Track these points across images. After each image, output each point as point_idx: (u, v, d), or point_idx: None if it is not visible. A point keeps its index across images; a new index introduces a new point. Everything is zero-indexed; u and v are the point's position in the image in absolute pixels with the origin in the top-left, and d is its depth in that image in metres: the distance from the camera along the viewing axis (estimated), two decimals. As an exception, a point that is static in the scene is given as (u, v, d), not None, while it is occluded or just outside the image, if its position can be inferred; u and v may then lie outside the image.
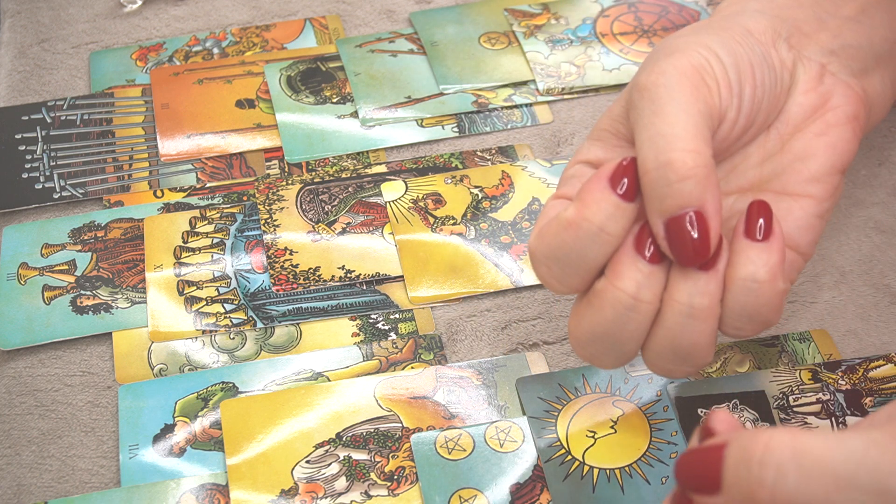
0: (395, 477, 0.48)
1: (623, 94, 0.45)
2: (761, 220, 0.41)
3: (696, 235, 0.39)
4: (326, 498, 0.47)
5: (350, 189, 0.60)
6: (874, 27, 0.49)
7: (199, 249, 0.57)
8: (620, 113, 0.44)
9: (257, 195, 0.59)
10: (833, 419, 0.49)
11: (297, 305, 0.54)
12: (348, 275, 0.55)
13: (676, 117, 0.40)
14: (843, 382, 0.50)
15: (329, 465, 0.48)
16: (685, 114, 0.40)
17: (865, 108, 0.47)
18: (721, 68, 0.42)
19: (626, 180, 0.40)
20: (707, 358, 0.43)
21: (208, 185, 0.60)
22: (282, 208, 0.59)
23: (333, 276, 0.55)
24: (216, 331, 0.53)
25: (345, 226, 0.58)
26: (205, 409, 0.51)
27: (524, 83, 0.65)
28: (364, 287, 0.55)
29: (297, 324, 0.54)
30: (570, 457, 0.48)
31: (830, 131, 0.45)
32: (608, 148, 0.45)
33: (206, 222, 0.58)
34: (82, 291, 0.55)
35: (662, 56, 0.42)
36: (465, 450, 0.48)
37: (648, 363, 0.44)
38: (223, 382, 0.52)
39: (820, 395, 0.50)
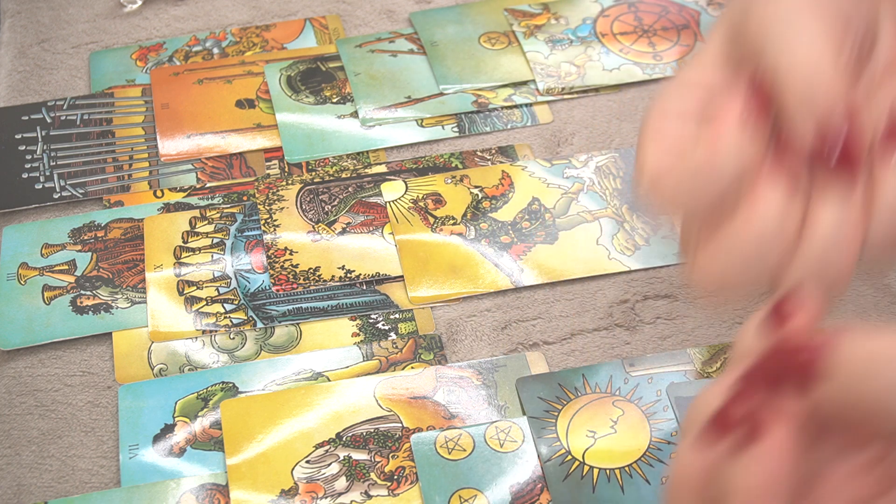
0: (395, 477, 0.48)
1: (720, 29, 0.42)
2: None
3: (844, 139, 0.38)
4: (326, 498, 0.47)
5: (350, 189, 0.60)
6: None
7: (199, 249, 0.57)
8: (724, 41, 0.42)
9: (257, 195, 0.59)
10: (833, 419, 0.49)
11: (297, 305, 0.54)
12: (348, 275, 0.55)
13: (810, 30, 0.39)
14: (843, 382, 0.50)
15: (329, 465, 0.48)
16: (817, 28, 0.39)
17: None
18: None
19: (757, 104, 0.39)
20: (844, 286, 0.40)
21: (208, 185, 0.60)
22: (282, 208, 0.59)
23: (333, 276, 0.55)
24: (216, 331, 0.53)
25: (345, 226, 0.58)
26: (205, 409, 0.51)
27: (524, 83, 0.65)
28: (364, 287, 0.55)
29: (297, 324, 0.54)
30: (570, 457, 0.48)
31: None
32: (720, 71, 0.42)
33: (206, 222, 0.58)
34: (82, 291, 0.55)
35: None
36: (465, 450, 0.48)
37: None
38: (223, 382, 0.52)
39: (820, 395, 0.49)
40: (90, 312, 0.54)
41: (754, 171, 0.40)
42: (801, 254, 0.40)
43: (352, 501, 0.47)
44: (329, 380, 0.52)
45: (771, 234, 0.39)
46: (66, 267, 0.56)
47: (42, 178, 0.61)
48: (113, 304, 0.55)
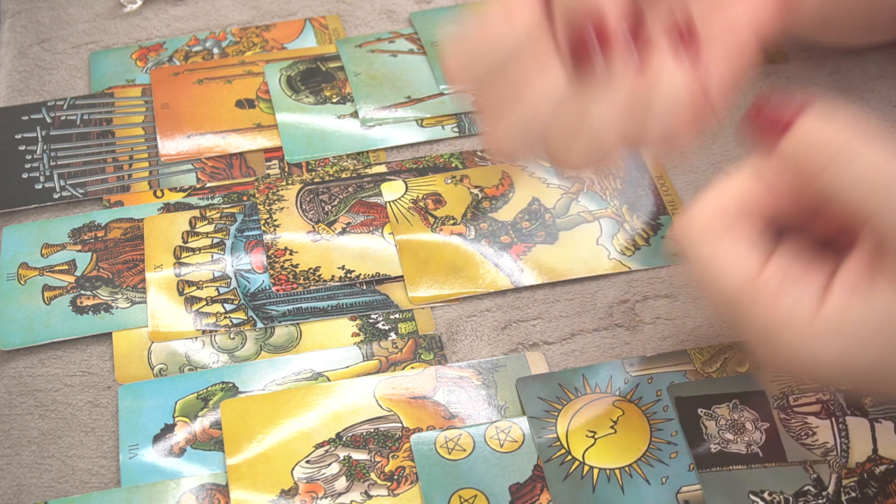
0: (395, 477, 0.48)
1: None
2: (687, 31, 0.42)
3: (594, 41, 0.41)
4: (326, 498, 0.47)
5: (350, 189, 0.60)
6: None
7: (199, 249, 0.57)
8: None
9: (257, 195, 0.59)
10: (833, 419, 0.49)
11: (297, 305, 0.54)
12: (348, 275, 0.56)
13: None
14: (843, 382, 0.50)
15: (329, 465, 0.48)
16: None
17: None
18: None
19: None
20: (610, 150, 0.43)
21: (208, 185, 0.60)
22: (282, 208, 0.59)
23: (333, 276, 0.55)
24: (216, 331, 0.53)
25: (345, 226, 0.58)
26: (205, 409, 0.51)
27: (524, 83, 0.65)
28: (364, 287, 0.55)
29: (297, 324, 0.54)
30: (570, 457, 0.48)
31: None
32: None
33: (206, 222, 0.58)
34: (82, 291, 0.55)
35: None
36: (465, 450, 0.48)
37: (566, 156, 0.44)
38: (223, 382, 0.52)
39: (820, 395, 0.50)
40: (90, 312, 0.54)
41: (537, 47, 0.42)
42: (581, 134, 0.43)
43: (352, 501, 0.47)
44: (329, 380, 0.52)
45: (549, 111, 0.42)
46: (66, 267, 0.56)
47: (42, 178, 0.61)
48: (113, 304, 0.55)
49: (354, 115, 0.63)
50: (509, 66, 0.42)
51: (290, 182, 0.60)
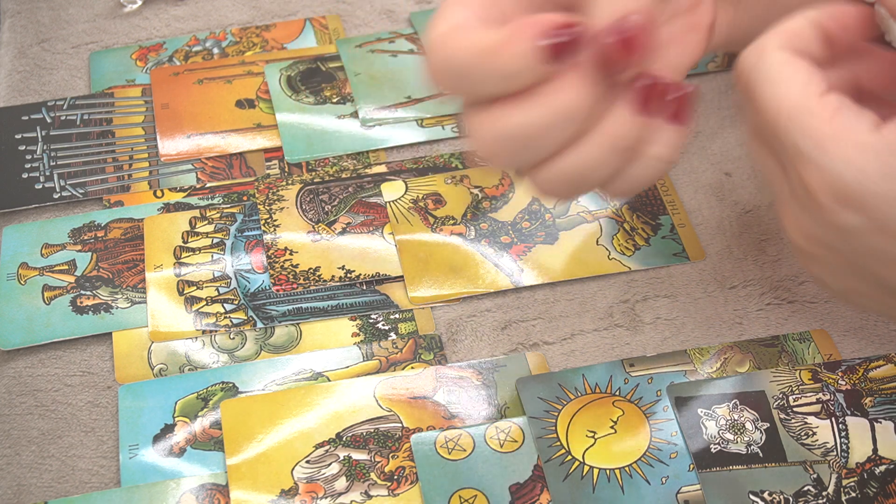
0: (395, 477, 0.48)
1: None
2: (684, 104, 0.41)
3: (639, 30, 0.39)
4: (326, 498, 0.47)
5: (350, 189, 0.60)
6: None
7: (199, 249, 0.57)
8: None
9: (257, 195, 0.59)
10: (833, 419, 0.49)
11: (297, 305, 0.54)
12: (348, 275, 0.55)
13: None
14: (843, 382, 0.50)
15: (329, 465, 0.48)
16: None
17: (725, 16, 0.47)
18: None
19: (559, 39, 0.39)
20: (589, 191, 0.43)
21: (208, 185, 0.60)
22: (282, 208, 0.59)
23: (333, 276, 0.55)
24: (216, 331, 0.53)
25: (345, 226, 0.58)
26: (205, 409, 0.51)
27: (524, 83, 0.65)
28: (364, 287, 0.55)
29: (297, 324, 0.54)
30: (570, 457, 0.48)
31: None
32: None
33: (206, 222, 0.58)
34: (82, 291, 0.55)
35: None
36: (465, 450, 0.48)
37: (542, 181, 0.43)
38: (223, 382, 0.52)
39: (820, 395, 0.50)
40: (90, 312, 0.54)
41: (541, 76, 0.39)
42: (571, 151, 0.41)
43: (352, 501, 0.47)
44: (329, 380, 0.52)
45: (564, 116, 0.40)
46: (66, 267, 0.56)
47: (42, 178, 0.61)
48: (113, 304, 0.55)
49: (354, 115, 0.63)
50: (493, 83, 0.40)
51: (290, 182, 0.60)
